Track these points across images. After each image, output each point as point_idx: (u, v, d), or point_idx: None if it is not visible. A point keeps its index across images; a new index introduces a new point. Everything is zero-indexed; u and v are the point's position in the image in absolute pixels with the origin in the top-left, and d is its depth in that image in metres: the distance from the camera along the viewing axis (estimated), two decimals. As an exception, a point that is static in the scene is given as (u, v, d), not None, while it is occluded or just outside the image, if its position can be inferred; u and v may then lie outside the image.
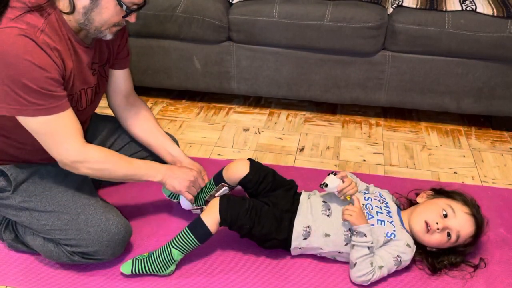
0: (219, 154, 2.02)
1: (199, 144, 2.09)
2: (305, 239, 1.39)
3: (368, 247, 1.31)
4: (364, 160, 1.98)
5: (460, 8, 1.99)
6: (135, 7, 1.25)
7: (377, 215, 1.39)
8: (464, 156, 2.02)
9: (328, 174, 1.41)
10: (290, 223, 1.39)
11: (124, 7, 1.22)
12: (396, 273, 1.39)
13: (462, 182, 1.86)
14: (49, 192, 1.37)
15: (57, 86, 1.19)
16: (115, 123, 1.63)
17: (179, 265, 1.40)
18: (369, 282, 1.33)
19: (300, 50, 2.14)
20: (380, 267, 1.33)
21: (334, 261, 1.43)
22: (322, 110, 2.37)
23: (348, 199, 1.39)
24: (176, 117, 2.31)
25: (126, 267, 1.36)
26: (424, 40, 2.00)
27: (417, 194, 1.52)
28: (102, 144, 1.59)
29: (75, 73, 1.27)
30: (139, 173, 1.39)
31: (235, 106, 2.41)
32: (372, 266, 1.32)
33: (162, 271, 1.36)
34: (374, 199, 1.45)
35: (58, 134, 1.24)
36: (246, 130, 2.20)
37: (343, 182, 1.39)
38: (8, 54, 1.11)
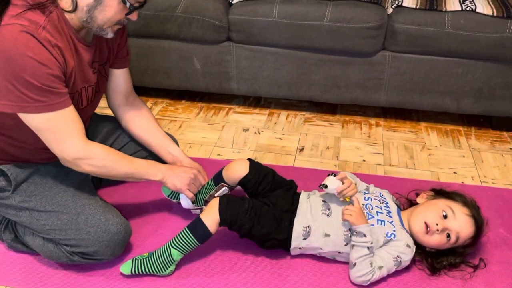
0: (219, 154, 2.02)
1: (199, 144, 2.09)
2: (305, 239, 1.39)
3: (368, 247, 1.31)
4: (364, 160, 1.98)
5: (460, 8, 1.99)
6: (137, 4, 1.26)
7: (377, 215, 1.39)
8: (464, 156, 2.02)
9: (328, 175, 1.41)
10: (289, 223, 1.39)
11: (128, 4, 1.23)
12: (396, 273, 1.39)
13: (462, 182, 1.86)
14: (49, 192, 1.37)
15: (58, 83, 1.20)
16: (115, 123, 1.64)
17: (179, 265, 1.40)
18: (368, 282, 1.33)
19: (300, 50, 2.14)
20: (380, 268, 1.33)
21: (334, 261, 1.43)
22: (322, 110, 2.37)
23: (348, 200, 1.39)
24: (176, 117, 2.31)
25: (125, 267, 1.36)
26: (424, 40, 2.00)
27: (417, 195, 1.52)
28: (102, 143, 1.59)
29: (76, 71, 1.28)
30: (140, 172, 1.39)
31: (235, 106, 2.41)
32: (371, 266, 1.32)
33: (162, 271, 1.36)
34: (374, 199, 1.45)
35: (60, 131, 1.24)
36: (246, 130, 2.20)
37: (343, 183, 1.39)
38: (10, 51, 1.11)
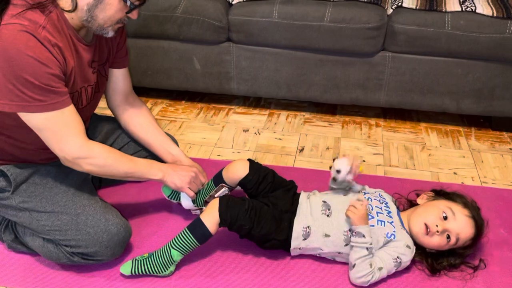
0: (218, 155, 2.02)
1: (198, 144, 2.09)
2: (304, 239, 1.39)
3: (367, 248, 1.31)
4: (364, 161, 1.98)
5: (459, 9, 1.99)
6: (137, 2, 1.26)
7: (377, 216, 1.39)
8: (464, 157, 2.02)
9: (334, 162, 1.42)
10: (289, 223, 1.39)
11: (128, 2, 1.23)
12: (396, 273, 1.39)
13: (462, 182, 1.86)
14: (48, 192, 1.37)
15: (58, 82, 1.20)
16: (115, 123, 1.64)
17: (179, 266, 1.40)
18: (368, 283, 1.33)
19: (299, 51, 2.14)
20: (380, 269, 1.33)
21: (334, 261, 1.43)
22: (322, 111, 2.37)
23: (361, 169, 1.41)
24: (176, 117, 2.31)
25: (125, 267, 1.36)
26: (424, 41, 2.00)
27: (417, 195, 1.52)
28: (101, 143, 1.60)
29: (76, 70, 1.28)
30: (140, 171, 1.40)
31: (235, 106, 2.41)
32: (371, 267, 1.32)
33: (162, 272, 1.36)
34: (374, 199, 1.45)
35: (61, 130, 1.24)
36: (245, 130, 2.20)
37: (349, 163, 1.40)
38: (10, 50, 1.11)
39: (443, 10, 2.00)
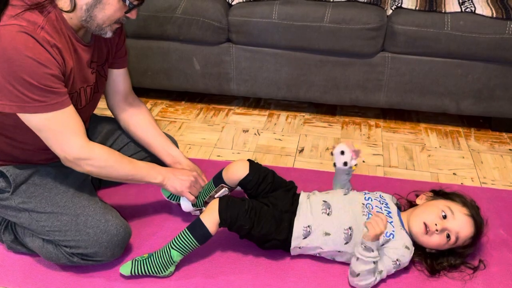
0: (218, 156, 2.02)
1: (198, 145, 2.09)
2: (305, 238, 1.39)
3: (374, 262, 1.31)
4: (364, 161, 1.98)
5: (459, 10, 2.00)
6: (136, 2, 1.26)
7: (377, 216, 1.39)
8: (464, 158, 2.02)
9: (332, 153, 1.44)
10: (289, 223, 1.39)
11: (127, 2, 1.23)
12: (395, 274, 1.39)
13: (462, 183, 1.86)
14: (48, 193, 1.37)
15: (58, 83, 1.20)
16: (115, 124, 1.64)
17: (179, 266, 1.40)
18: (369, 287, 1.34)
19: (299, 52, 2.14)
20: (380, 272, 1.33)
21: (334, 262, 1.43)
22: (322, 111, 2.37)
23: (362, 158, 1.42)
24: (176, 118, 2.31)
25: (125, 268, 1.36)
26: (424, 42, 2.00)
27: (416, 196, 1.52)
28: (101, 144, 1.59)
29: (75, 71, 1.28)
30: (140, 174, 1.40)
31: (235, 107, 2.41)
32: (374, 275, 1.32)
33: (162, 272, 1.36)
34: (375, 199, 1.45)
35: (61, 130, 1.24)
36: (245, 131, 2.20)
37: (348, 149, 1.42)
38: (9, 51, 1.11)
39: (443, 11, 2.00)
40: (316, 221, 1.39)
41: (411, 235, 1.40)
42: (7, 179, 1.37)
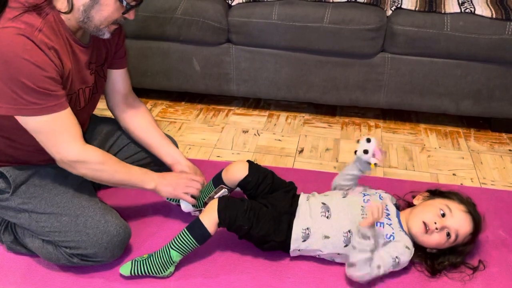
0: (218, 156, 2.02)
1: (198, 146, 2.09)
2: (304, 241, 1.39)
3: (371, 250, 1.31)
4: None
5: (458, 10, 2.00)
6: (134, 3, 1.25)
7: (377, 217, 1.39)
8: (463, 158, 2.02)
9: (359, 141, 1.43)
10: (288, 225, 1.39)
11: (124, 3, 1.23)
12: (395, 275, 1.39)
13: (461, 184, 1.86)
14: (48, 194, 1.37)
15: (55, 86, 1.20)
16: (114, 125, 1.64)
17: (178, 266, 1.40)
18: (365, 281, 1.33)
19: (299, 52, 2.14)
20: (378, 267, 1.33)
21: (333, 262, 1.43)
22: (321, 112, 2.37)
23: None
24: (176, 119, 2.31)
25: (125, 268, 1.36)
26: (423, 42, 2.00)
27: (413, 197, 1.53)
28: (101, 145, 1.59)
29: (73, 72, 1.28)
30: (134, 179, 1.40)
31: (235, 108, 2.41)
32: (370, 266, 1.32)
33: (161, 273, 1.36)
34: (374, 201, 1.45)
35: (58, 133, 1.24)
36: (245, 132, 2.21)
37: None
38: (7, 54, 1.12)
39: (442, 12, 2.01)
40: (315, 224, 1.39)
41: (410, 236, 1.40)
42: (7, 180, 1.37)
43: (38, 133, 1.23)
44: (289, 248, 1.40)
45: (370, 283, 1.36)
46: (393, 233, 1.37)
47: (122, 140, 1.64)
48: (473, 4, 2.02)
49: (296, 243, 1.39)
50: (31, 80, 1.14)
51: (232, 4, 2.17)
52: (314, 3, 2.08)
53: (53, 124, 1.22)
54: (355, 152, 1.43)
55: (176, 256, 1.35)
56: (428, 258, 1.42)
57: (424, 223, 1.37)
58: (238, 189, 1.53)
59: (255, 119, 2.31)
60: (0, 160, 1.37)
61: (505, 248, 1.52)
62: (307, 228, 1.38)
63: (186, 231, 1.35)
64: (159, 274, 1.36)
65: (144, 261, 1.36)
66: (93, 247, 1.32)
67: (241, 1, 2.15)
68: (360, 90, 2.17)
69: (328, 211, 1.41)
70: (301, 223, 1.39)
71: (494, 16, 1.95)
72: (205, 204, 1.51)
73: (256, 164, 1.52)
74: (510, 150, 2.09)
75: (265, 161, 1.98)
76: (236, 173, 1.49)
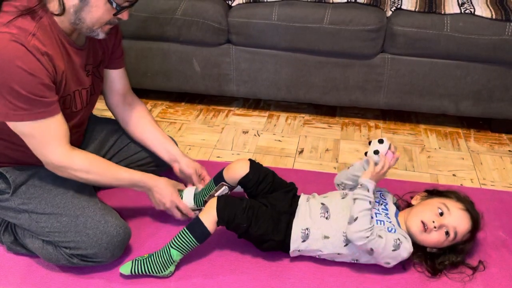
0: (218, 157, 2.02)
1: (198, 146, 2.09)
2: (303, 241, 1.39)
3: (370, 202, 1.33)
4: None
5: (458, 11, 2.00)
6: (127, 4, 1.24)
7: (376, 216, 1.39)
8: (463, 159, 2.02)
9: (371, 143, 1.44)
10: (287, 224, 1.39)
11: (114, 4, 1.22)
12: (395, 275, 1.39)
13: (461, 184, 1.86)
14: (48, 194, 1.37)
15: (46, 92, 1.20)
16: (114, 125, 1.64)
17: (178, 266, 1.40)
18: (366, 241, 1.30)
19: (299, 53, 2.14)
20: (380, 236, 1.32)
21: (333, 262, 1.43)
22: (321, 113, 2.37)
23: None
24: (176, 119, 2.31)
25: (125, 267, 1.36)
26: (423, 43, 2.00)
27: (411, 198, 1.53)
28: (101, 145, 1.60)
29: (67, 74, 1.28)
30: (122, 185, 1.45)
31: (234, 108, 2.41)
32: (371, 224, 1.31)
33: (162, 272, 1.36)
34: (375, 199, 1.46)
35: (43, 137, 1.25)
36: (245, 132, 2.21)
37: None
38: None
39: (442, 12, 2.01)
40: (315, 225, 1.39)
41: (410, 236, 1.40)
42: (7, 180, 1.37)
43: (25, 136, 1.25)
44: (288, 249, 1.40)
45: (370, 283, 1.36)
46: (394, 226, 1.37)
47: (122, 140, 1.65)
48: (473, 5, 2.03)
49: (296, 244, 1.39)
50: (22, 86, 1.15)
51: (232, 4, 2.17)
52: (314, 3, 2.08)
53: (40, 129, 1.23)
54: (365, 153, 1.43)
55: (176, 255, 1.35)
56: (428, 258, 1.42)
57: (423, 222, 1.37)
58: (238, 188, 1.53)
59: (255, 120, 2.31)
60: (0, 161, 1.37)
61: (505, 249, 1.52)
62: (307, 229, 1.39)
63: (186, 230, 1.35)
64: (159, 273, 1.36)
65: (144, 260, 1.36)
66: (93, 247, 1.32)
67: (241, 2, 2.15)
68: (360, 91, 2.17)
69: (327, 211, 1.41)
70: (300, 223, 1.39)
71: (494, 16, 1.95)
72: (205, 203, 1.51)
73: (258, 163, 1.52)
74: (510, 150, 2.09)
75: (265, 162, 1.98)
76: (238, 170, 1.49)
